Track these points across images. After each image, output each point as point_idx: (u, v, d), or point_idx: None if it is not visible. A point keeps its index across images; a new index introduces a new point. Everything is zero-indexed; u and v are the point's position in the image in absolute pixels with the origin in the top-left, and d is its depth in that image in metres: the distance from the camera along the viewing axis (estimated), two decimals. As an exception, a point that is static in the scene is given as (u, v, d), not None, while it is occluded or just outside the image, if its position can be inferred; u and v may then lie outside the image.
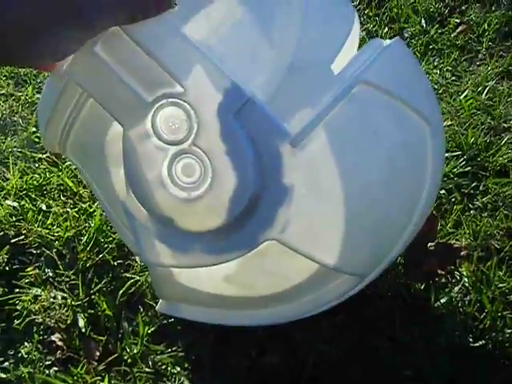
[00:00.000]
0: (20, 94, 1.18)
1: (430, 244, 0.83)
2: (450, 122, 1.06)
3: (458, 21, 1.34)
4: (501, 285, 0.79)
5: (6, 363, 0.75)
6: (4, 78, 1.22)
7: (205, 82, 0.52)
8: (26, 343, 0.77)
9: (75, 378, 0.72)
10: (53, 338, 0.77)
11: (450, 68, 1.21)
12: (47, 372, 0.74)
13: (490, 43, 1.27)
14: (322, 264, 0.60)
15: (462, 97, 1.12)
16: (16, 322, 0.79)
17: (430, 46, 1.27)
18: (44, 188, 0.98)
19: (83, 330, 0.78)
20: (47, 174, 1.00)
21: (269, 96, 0.54)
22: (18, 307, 0.81)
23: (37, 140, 1.07)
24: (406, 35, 1.31)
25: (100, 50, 0.52)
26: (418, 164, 0.60)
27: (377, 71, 0.56)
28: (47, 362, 0.75)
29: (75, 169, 1.00)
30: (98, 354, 0.75)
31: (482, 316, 0.76)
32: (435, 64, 1.22)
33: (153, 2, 0.49)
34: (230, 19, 0.56)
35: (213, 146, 0.54)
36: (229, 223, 0.56)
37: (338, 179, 0.56)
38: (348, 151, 0.56)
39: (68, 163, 1.01)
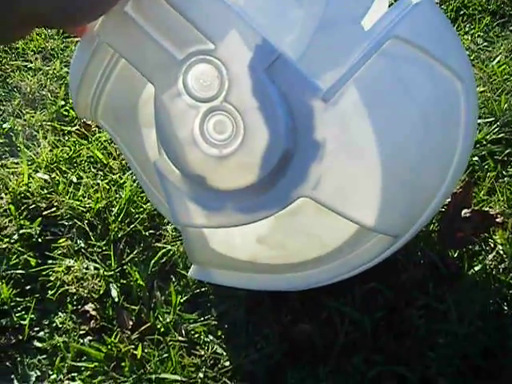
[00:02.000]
0: (48, 68, 1.19)
1: (464, 211, 0.81)
2: (482, 89, 1.03)
3: (489, -16, 1.31)
4: (536, 252, 0.78)
5: (42, 333, 0.76)
6: (32, 53, 1.23)
7: (235, 38, 0.52)
8: (60, 313, 0.78)
9: (109, 346, 0.73)
10: (86, 307, 0.78)
11: (481, 33, 1.19)
12: (81, 341, 0.75)
13: (524, 7, 1.24)
14: (354, 222, 0.59)
15: (494, 63, 1.09)
16: (50, 292, 0.80)
17: (461, 12, 1.25)
18: (74, 160, 0.99)
19: (116, 300, 0.78)
20: (77, 146, 1.01)
21: (299, 53, 0.54)
22: (52, 278, 0.82)
23: (66, 113, 1.08)
24: (436, 0, 1.28)
25: (130, 10, 0.53)
26: (451, 121, 0.59)
27: (407, 27, 0.54)
28: (81, 332, 0.76)
29: (105, 141, 1.00)
30: (131, 323, 0.76)
31: (517, 284, 0.75)
32: (466, 30, 1.20)
33: None
34: None
35: (244, 102, 0.54)
36: (261, 180, 0.56)
37: (371, 135, 0.55)
38: (380, 106, 0.56)
39: (98, 135, 1.02)
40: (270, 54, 0.52)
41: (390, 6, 0.59)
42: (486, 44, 1.16)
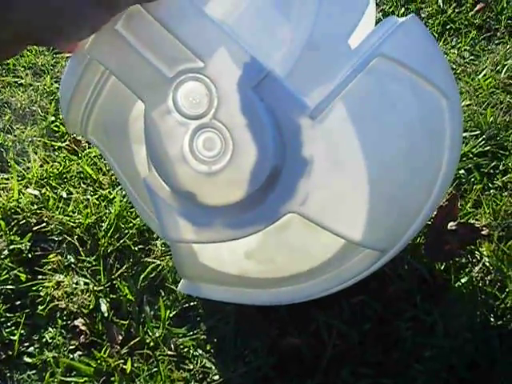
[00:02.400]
0: (38, 83, 1.19)
1: (450, 224, 0.82)
2: (468, 102, 1.05)
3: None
4: (522, 257, 0.79)
5: (31, 348, 0.77)
6: (22, 69, 1.24)
7: (225, 57, 0.53)
8: (50, 328, 0.79)
9: (99, 361, 0.73)
10: (76, 322, 0.78)
11: (467, 47, 1.20)
12: (71, 356, 0.75)
13: (509, 21, 1.26)
14: (341, 237, 0.60)
15: (480, 76, 1.11)
16: (40, 307, 0.80)
17: (448, 26, 1.26)
18: (64, 176, 0.99)
19: (106, 315, 0.79)
20: (67, 162, 1.01)
21: (287, 71, 0.54)
22: (42, 293, 0.82)
23: (56, 129, 1.08)
24: (423, 15, 1.29)
25: (121, 28, 0.53)
26: (436, 137, 0.60)
27: (394, 45, 0.55)
28: (71, 347, 0.76)
29: (95, 156, 1.01)
30: (120, 337, 0.76)
31: (503, 296, 0.75)
32: (453, 44, 1.21)
33: None
34: None
35: (233, 119, 0.55)
36: (250, 196, 0.57)
37: (357, 151, 0.56)
38: (366, 123, 0.57)
39: (88, 151, 1.02)
40: (259, 72, 0.53)
41: (376, 24, 0.60)
42: (472, 58, 1.17)
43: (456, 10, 1.29)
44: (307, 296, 0.68)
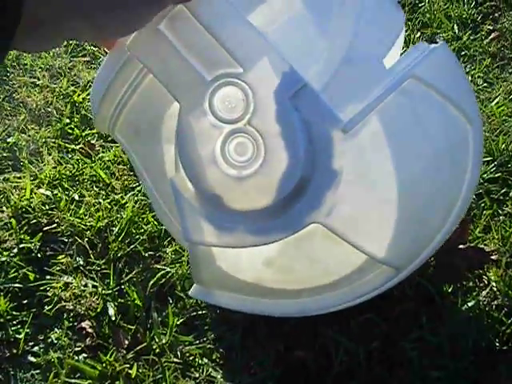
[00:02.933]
0: (55, 85, 1.20)
1: (460, 247, 0.83)
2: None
3: (490, 28, 1.34)
4: (529, 291, 0.79)
5: (36, 348, 0.77)
6: (39, 70, 1.24)
7: (264, 64, 0.54)
8: (56, 329, 0.79)
9: (104, 364, 0.74)
10: (83, 324, 0.79)
11: (481, 74, 1.21)
12: (76, 358, 0.75)
13: (523, 51, 1.27)
14: (362, 251, 0.61)
15: (493, 103, 1.11)
16: (47, 308, 0.81)
17: (462, 52, 1.27)
18: (77, 178, 1.00)
19: (113, 319, 0.79)
20: (80, 164, 1.02)
21: (322, 85, 0.55)
22: (49, 294, 0.82)
23: (70, 131, 1.09)
24: (439, 41, 1.30)
25: (164, 28, 0.54)
26: (460, 160, 0.62)
27: (426, 68, 0.57)
28: (77, 349, 0.76)
29: (108, 160, 1.02)
30: (126, 342, 0.77)
31: (510, 321, 0.76)
32: (467, 70, 1.22)
33: None
34: (289, 10, 0.58)
35: (267, 126, 0.55)
36: (276, 204, 0.58)
37: (386, 168, 0.58)
38: (396, 141, 0.58)
39: (101, 155, 1.03)
40: (296, 82, 0.54)
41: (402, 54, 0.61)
42: (485, 85, 1.18)
43: (471, 37, 1.31)
44: (319, 309, 0.68)
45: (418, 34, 1.32)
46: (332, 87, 0.56)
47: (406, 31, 1.33)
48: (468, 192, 0.62)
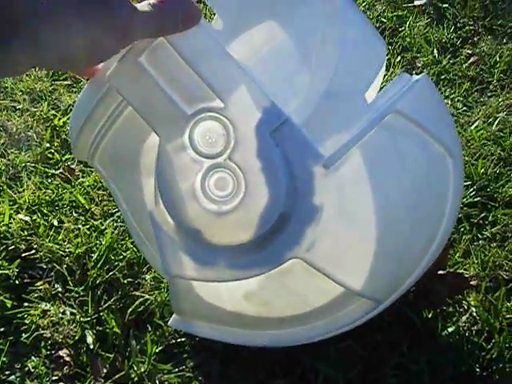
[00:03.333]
0: (35, 109, 1.20)
1: (440, 272, 0.83)
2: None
3: (469, 52, 1.36)
4: (508, 315, 0.79)
5: (13, 377, 0.76)
6: (20, 94, 1.24)
7: (245, 99, 0.54)
8: (33, 357, 0.78)
9: (81, 394, 0.73)
10: (60, 353, 0.77)
11: (461, 98, 1.22)
12: (54, 387, 0.74)
13: (502, 75, 1.29)
14: (342, 285, 0.61)
15: (472, 127, 1.13)
16: (24, 335, 0.79)
17: (442, 76, 1.29)
18: (56, 204, 0.99)
19: (91, 347, 0.78)
20: (60, 189, 1.01)
21: (304, 119, 0.56)
22: (27, 321, 0.81)
23: (50, 156, 1.09)
24: (419, 65, 1.32)
25: (145, 61, 0.54)
26: (440, 194, 0.62)
27: (407, 102, 0.58)
28: (54, 377, 0.75)
29: (88, 186, 1.01)
30: (104, 370, 0.76)
31: (489, 346, 0.76)
32: (446, 94, 1.23)
33: (179, 20, 0.51)
34: (270, 43, 0.58)
35: (248, 161, 0.55)
36: (256, 239, 0.58)
37: (366, 203, 0.58)
38: (377, 176, 0.58)
39: (81, 180, 1.02)
40: (277, 117, 0.54)
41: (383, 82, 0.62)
42: (465, 109, 1.20)
43: (451, 61, 1.32)
44: (299, 341, 0.68)
45: (399, 58, 1.33)
46: (313, 122, 0.56)
47: (387, 55, 1.33)
48: (448, 224, 0.63)
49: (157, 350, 0.77)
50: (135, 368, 0.75)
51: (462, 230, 0.92)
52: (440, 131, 0.60)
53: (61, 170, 1.05)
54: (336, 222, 0.58)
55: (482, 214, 0.95)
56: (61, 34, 0.43)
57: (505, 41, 1.40)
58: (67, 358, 0.77)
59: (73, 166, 1.06)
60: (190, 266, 0.61)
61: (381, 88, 0.62)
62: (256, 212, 0.57)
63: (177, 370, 0.75)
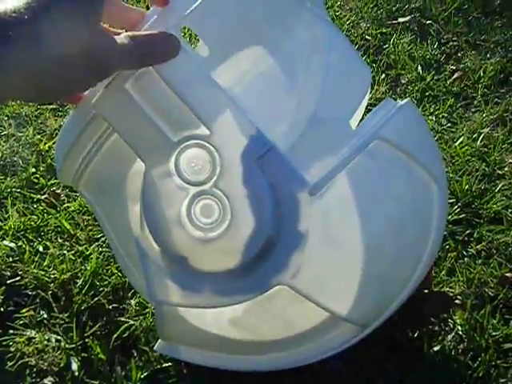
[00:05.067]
0: (21, 134, 1.20)
1: (424, 291, 0.83)
2: (445, 169, 1.06)
3: (453, 68, 1.37)
4: (494, 333, 0.79)
5: (-2, 406, 0.75)
6: (6, 118, 1.24)
7: (231, 127, 0.54)
8: (18, 386, 0.77)
9: (66, 422, 0.72)
10: (45, 381, 0.77)
11: (445, 114, 1.23)
12: (38, 416, 0.74)
13: (486, 90, 1.29)
14: (328, 311, 0.61)
15: (457, 143, 1.13)
16: (9, 363, 0.79)
17: (426, 93, 1.29)
18: (41, 229, 0.99)
19: (76, 374, 0.77)
20: (45, 215, 1.01)
21: (289, 146, 0.56)
22: (12, 349, 0.81)
23: (36, 181, 1.08)
24: (403, 81, 1.33)
25: (130, 88, 0.54)
26: (425, 219, 0.63)
27: (392, 129, 0.58)
28: (39, 406, 0.75)
29: (73, 211, 1.01)
30: (90, 398, 0.75)
31: (476, 365, 0.75)
32: (431, 110, 1.24)
33: (159, 52, 0.51)
34: (256, 69, 0.59)
35: (234, 189, 0.56)
36: (242, 265, 0.58)
37: (352, 229, 0.59)
38: (362, 203, 0.59)
39: (66, 205, 1.02)
40: (263, 145, 0.55)
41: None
42: (449, 125, 1.20)
43: (435, 78, 1.33)
44: (286, 365, 0.68)
45: (383, 75, 1.34)
46: (299, 147, 0.56)
47: (371, 72, 1.34)
48: (434, 248, 0.64)
49: (142, 376, 0.76)
50: (120, 395, 0.75)
51: (447, 247, 0.92)
52: (424, 157, 0.61)
53: (46, 196, 1.05)
54: (321, 248, 0.58)
55: (467, 231, 0.95)
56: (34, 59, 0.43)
57: (488, 56, 1.41)
58: (52, 386, 0.76)
59: (58, 191, 1.06)
60: (176, 292, 0.61)
61: (365, 111, 0.63)
62: (242, 239, 0.57)
63: (162, 395, 0.75)
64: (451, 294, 0.84)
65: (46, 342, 0.81)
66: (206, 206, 0.57)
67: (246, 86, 0.58)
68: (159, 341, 0.71)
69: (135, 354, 0.79)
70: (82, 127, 0.60)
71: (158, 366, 0.77)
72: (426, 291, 0.83)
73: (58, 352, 0.80)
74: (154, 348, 0.71)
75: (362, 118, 0.62)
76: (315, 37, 0.59)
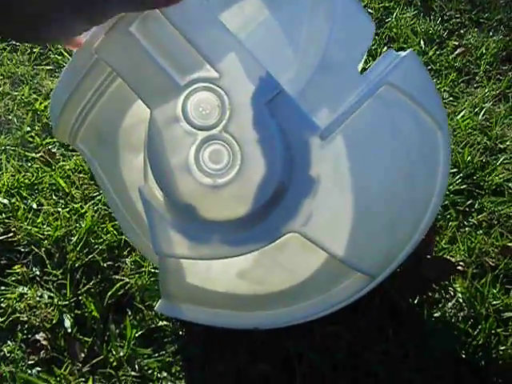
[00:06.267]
0: (16, 93, 1.17)
1: (426, 257, 0.82)
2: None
3: (456, 43, 1.35)
4: (495, 302, 0.78)
5: (-13, 361, 0.73)
6: (1, 77, 1.21)
7: (240, 69, 0.53)
8: (9, 342, 0.75)
9: (58, 378, 0.70)
10: (37, 337, 0.75)
11: (447, 89, 1.21)
12: (29, 372, 0.72)
13: (488, 66, 1.28)
14: (338, 259, 0.60)
15: (459, 117, 1.12)
16: (0, 319, 0.77)
17: (429, 67, 1.28)
18: (36, 187, 0.96)
19: (69, 331, 0.76)
20: (40, 173, 0.99)
21: (297, 92, 0.55)
22: (3, 305, 0.79)
23: (31, 140, 1.06)
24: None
25: (135, 31, 0.52)
26: (432, 165, 0.62)
27: (399, 75, 0.57)
28: (30, 362, 0.73)
29: (69, 169, 0.99)
30: (82, 355, 0.73)
31: (476, 333, 0.75)
32: (433, 84, 1.22)
33: None
34: (260, 16, 0.57)
35: (244, 133, 0.54)
36: (253, 213, 0.56)
37: (363, 174, 0.58)
38: (372, 147, 0.58)
39: (62, 163, 1.00)
40: (273, 88, 0.53)
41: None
42: (451, 99, 1.19)
43: (437, 52, 1.32)
44: (295, 320, 0.67)
45: (385, 48, 1.32)
46: (307, 94, 0.55)
47: (373, 45, 1.33)
48: (439, 197, 0.63)
49: (136, 335, 0.75)
50: (114, 352, 0.73)
51: (449, 216, 0.91)
52: (429, 103, 0.60)
53: (41, 154, 1.03)
54: (333, 193, 0.57)
55: (469, 202, 0.94)
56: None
57: (491, 33, 1.40)
58: (44, 342, 0.75)
59: (54, 150, 1.03)
60: (183, 243, 0.59)
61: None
62: (252, 184, 0.55)
63: (157, 354, 0.73)
64: (452, 262, 0.83)
65: (38, 299, 0.79)
66: (215, 151, 0.55)
67: (250, 34, 0.57)
68: (160, 300, 0.68)
69: (130, 313, 0.77)
70: (80, 76, 0.57)
71: (153, 325, 0.76)
72: (429, 257, 0.82)
73: (51, 308, 0.78)
74: (155, 308, 0.69)
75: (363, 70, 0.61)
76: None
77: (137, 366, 0.72)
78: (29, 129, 1.08)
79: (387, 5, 1.48)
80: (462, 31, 1.41)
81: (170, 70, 0.53)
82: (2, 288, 0.81)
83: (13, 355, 0.74)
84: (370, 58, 1.24)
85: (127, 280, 0.81)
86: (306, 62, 0.56)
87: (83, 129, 0.63)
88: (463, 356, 0.73)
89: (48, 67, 1.25)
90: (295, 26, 0.58)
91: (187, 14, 0.51)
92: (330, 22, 0.57)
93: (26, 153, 1.03)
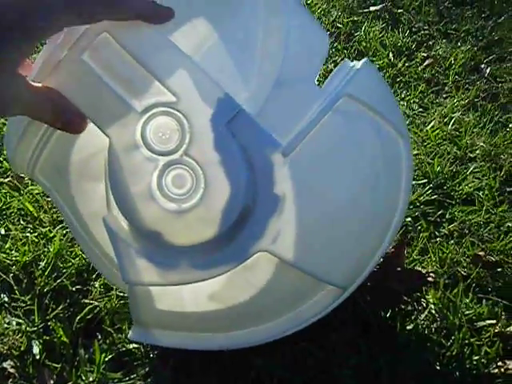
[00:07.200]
0: (-17, 118, 1.16)
1: (397, 269, 0.81)
2: (416, 152, 1.06)
3: (424, 55, 1.36)
4: (467, 312, 0.78)
5: (-46, 393, 0.72)
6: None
7: (198, 91, 0.52)
8: (-24, 371, 0.74)
9: (27, 407, 0.69)
10: (4, 365, 0.74)
11: (416, 100, 1.22)
12: (-3, 402, 0.71)
13: (456, 76, 1.29)
14: (309, 274, 0.60)
15: (428, 127, 1.12)
16: (-33, 348, 0.76)
17: (398, 79, 1.29)
18: (4, 212, 0.95)
19: (37, 357, 0.74)
20: (8, 198, 0.97)
21: (257, 110, 0.54)
22: (-29, 333, 0.77)
23: (-1, 164, 1.05)
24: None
25: (88, 58, 0.51)
26: (395, 173, 0.63)
27: (357, 86, 0.58)
28: (-2, 391, 0.72)
29: (37, 193, 0.98)
30: (52, 382, 0.72)
31: (449, 343, 0.74)
32: (402, 96, 1.23)
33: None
34: (214, 34, 0.57)
35: (205, 155, 0.53)
36: (220, 235, 0.55)
37: (327, 188, 0.58)
38: (335, 160, 0.58)
39: (30, 188, 0.99)
40: (232, 108, 0.53)
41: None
42: (421, 110, 1.20)
43: (406, 64, 1.33)
44: (269, 337, 0.66)
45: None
46: (267, 111, 0.55)
47: (342, 59, 1.33)
48: (404, 202, 0.63)
49: (106, 359, 0.73)
50: (83, 378, 0.72)
51: (420, 227, 0.91)
52: (388, 112, 0.60)
53: (9, 179, 1.02)
54: (299, 210, 0.56)
55: (439, 212, 0.94)
56: None
57: (459, 44, 1.41)
58: (12, 370, 0.73)
59: (22, 175, 1.02)
60: (152, 271, 0.58)
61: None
62: (217, 207, 0.54)
63: (127, 378, 0.72)
64: (424, 273, 0.82)
65: (6, 325, 0.78)
66: (178, 176, 0.54)
67: (203, 54, 0.56)
68: (132, 328, 0.67)
69: (99, 337, 0.76)
70: None
71: (124, 349, 0.75)
72: (399, 269, 0.82)
73: (19, 335, 0.77)
74: (128, 336, 0.68)
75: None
76: (272, 0, 0.58)
77: (107, 391, 0.71)
78: (-4, 154, 1.07)
79: (356, 19, 1.49)
80: (430, 43, 1.42)
81: (126, 97, 0.52)
82: (-30, 316, 0.79)
83: (-20, 385, 0.72)
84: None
85: (96, 304, 0.79)
86: (263, 79, 0.56)
87: (41, 161, 0.62)
88: (437, 368, 0.72)
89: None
90: (250, 42, 0.57)
91: (140, 38, 0.51)
92: (284, 35, 0.57)
93: (-6, 178, 1.02)
